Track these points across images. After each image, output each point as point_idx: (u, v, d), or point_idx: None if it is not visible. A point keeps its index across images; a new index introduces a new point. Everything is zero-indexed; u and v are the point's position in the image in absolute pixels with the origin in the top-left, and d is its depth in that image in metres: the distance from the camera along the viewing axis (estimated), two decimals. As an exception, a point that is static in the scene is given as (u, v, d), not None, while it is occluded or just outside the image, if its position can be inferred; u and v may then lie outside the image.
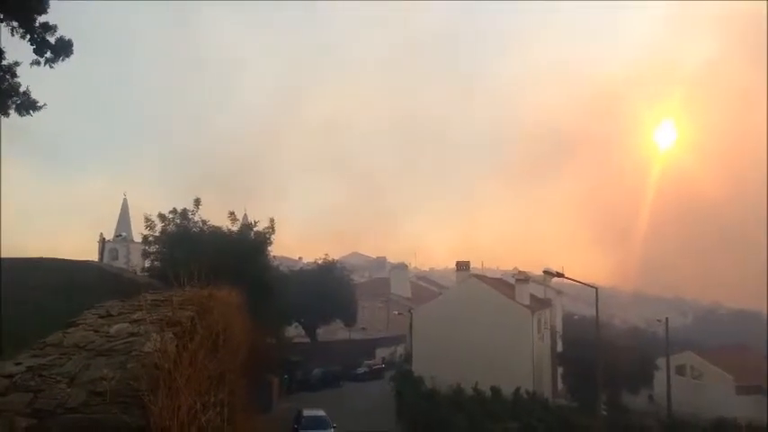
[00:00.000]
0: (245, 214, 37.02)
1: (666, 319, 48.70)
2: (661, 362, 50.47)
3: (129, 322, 7.61)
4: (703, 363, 55.65)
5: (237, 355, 9.58)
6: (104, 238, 71.66)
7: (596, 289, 33.67)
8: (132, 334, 6.99)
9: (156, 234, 32.23)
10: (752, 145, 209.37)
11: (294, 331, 60.72)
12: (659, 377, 51.26)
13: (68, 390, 5.53)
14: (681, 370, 55.46)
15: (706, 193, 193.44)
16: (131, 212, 75.88)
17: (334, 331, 70.83)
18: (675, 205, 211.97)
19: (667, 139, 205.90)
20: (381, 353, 70.44)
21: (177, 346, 6.32)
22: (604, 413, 40.84)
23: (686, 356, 56.98)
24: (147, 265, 33.05)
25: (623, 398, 50.33)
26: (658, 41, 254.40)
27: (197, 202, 33.16)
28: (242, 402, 9.58)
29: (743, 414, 42.54)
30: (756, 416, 42.64)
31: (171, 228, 32.43)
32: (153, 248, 32.32)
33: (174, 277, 8.76)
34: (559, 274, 33.37)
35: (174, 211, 32.80)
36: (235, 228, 34.27)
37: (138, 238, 39.23)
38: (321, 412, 31.41)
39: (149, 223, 32.19)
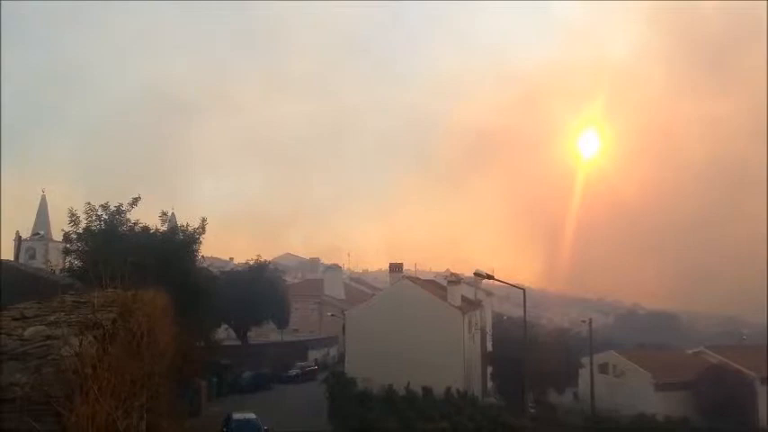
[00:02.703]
0: (173, 213, 35.90)
1: (590, 319, 50.31)
2: (585, 361, 52.21)
3: (46, 324, 7.19)
4: (624, 361, 57.65)
5: (163, 358, 9.24)
6: (20, 237, 68.00)
7: (524, 290, 34.46)
8: (49, 337, 6.60)
9: (79, 231, 30.69)
10: (673, 151, 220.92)
11: (224, 333, 59.45)
12: (583, 375, 53.03)
13: (-25, 397, 5.17)
14: (604, 368, 57.39)
15: (627, 200, 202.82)
16: (50, 211, 72.61)
17: (265, 333, 69.77)
18: (600, 211, 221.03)
19: (592, 145, 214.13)
20: (314, 355, 69.93)
21: (97, 349, 6.01)
22: (532, 411, 41.95)
23: (609, 356, 58.92)
24: (67, 265, 31.36)
25: (549, 396, 51.87)
26: (585, 40, 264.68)
27: (135, 201, 31.69)
28: (167, 407, 9.24)
29: (661, 410, 44.60)
30: (673, 411, 44.81)
31: (95, 225, 30.94)
32: (74, 246, 30.78)
33: (96, 277, 8.36)
34: (489, 276, 33.95)
35: (105, 206, 31.24)
36: (164, 227, 33.16)
37: (57, 237, 37.24)
38: (252, 415, 30.80)
39: (73, 218, 30.59)
